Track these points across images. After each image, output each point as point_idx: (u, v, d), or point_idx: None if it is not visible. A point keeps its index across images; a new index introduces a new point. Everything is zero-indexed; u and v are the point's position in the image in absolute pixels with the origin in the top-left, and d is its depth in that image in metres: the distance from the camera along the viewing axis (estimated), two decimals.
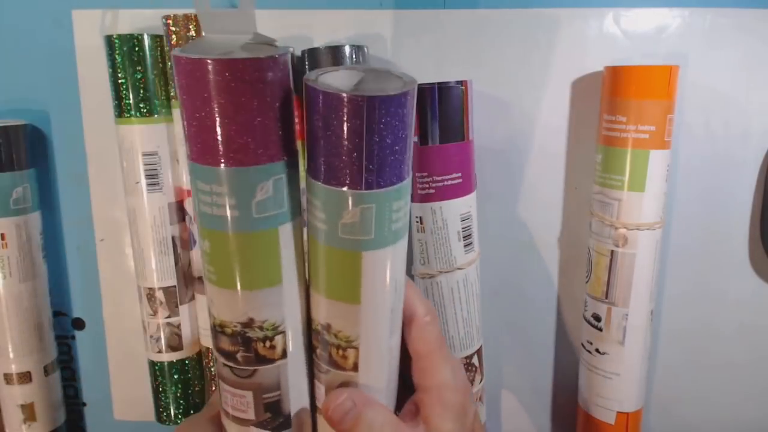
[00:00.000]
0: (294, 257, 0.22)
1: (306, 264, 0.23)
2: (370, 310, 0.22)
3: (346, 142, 0.19)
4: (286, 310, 0.22)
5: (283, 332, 0.22)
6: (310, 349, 0.24)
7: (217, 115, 0.19)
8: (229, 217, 0.20)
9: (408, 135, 0.20)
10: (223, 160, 0.19)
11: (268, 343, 0.22)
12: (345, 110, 0.19)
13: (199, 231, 0.22)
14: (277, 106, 0.20)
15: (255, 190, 0.20)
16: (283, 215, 0.21)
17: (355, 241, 0.21)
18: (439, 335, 0.25)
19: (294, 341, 0.23)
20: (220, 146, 0.19)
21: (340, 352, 0.23)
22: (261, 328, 0.22)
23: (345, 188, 0.20)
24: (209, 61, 0.18)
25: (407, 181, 0.21)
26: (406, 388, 0.26)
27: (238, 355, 0.22)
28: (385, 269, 0.22)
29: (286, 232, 0.21)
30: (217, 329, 0.22)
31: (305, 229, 0.23)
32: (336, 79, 0.21)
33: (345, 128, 0.19)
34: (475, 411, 0.27)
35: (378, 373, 0.24)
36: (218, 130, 0.19)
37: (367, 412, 0.23)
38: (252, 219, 0.20)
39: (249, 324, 0.22)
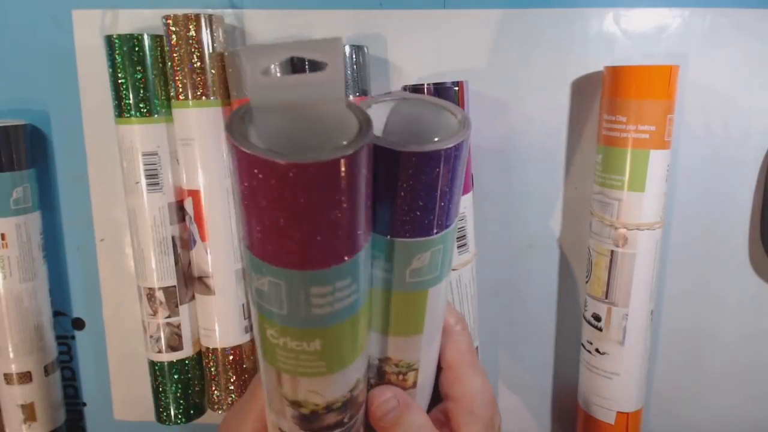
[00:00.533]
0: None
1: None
2: (429, 336, 0.22)
3: (418, 197, 0.19)
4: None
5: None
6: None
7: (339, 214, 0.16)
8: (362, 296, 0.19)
9: (462, 175, 0.20)
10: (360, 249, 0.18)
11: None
12: (420, 168, 0.18)
13: (291, 333, 0.19)
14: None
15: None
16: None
17: (422, 281, 0.21)
18: (469, 345, 0.25)
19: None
20: (358, 240, 0.18)
21: (401, 377, 0.23)
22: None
23: (416, 238, 0.19)
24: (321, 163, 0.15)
25: (457, 220, 0.21)
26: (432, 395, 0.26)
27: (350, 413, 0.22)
28: (444, 297, 0.22)
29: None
30: (320, 412, 0.21)
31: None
32: (377, 119, 0.19)
33: (416, 184, 0.18)
34: (499, 426, 0.27)
35: (428, 385, 0.25)
36: (345, 226, 0.17)
37: (408, 414, 0.23)
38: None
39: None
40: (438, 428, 0.25)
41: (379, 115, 0.20)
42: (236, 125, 0.16)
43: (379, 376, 0.23)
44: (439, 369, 0.25)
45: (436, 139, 0.19)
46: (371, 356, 0.23)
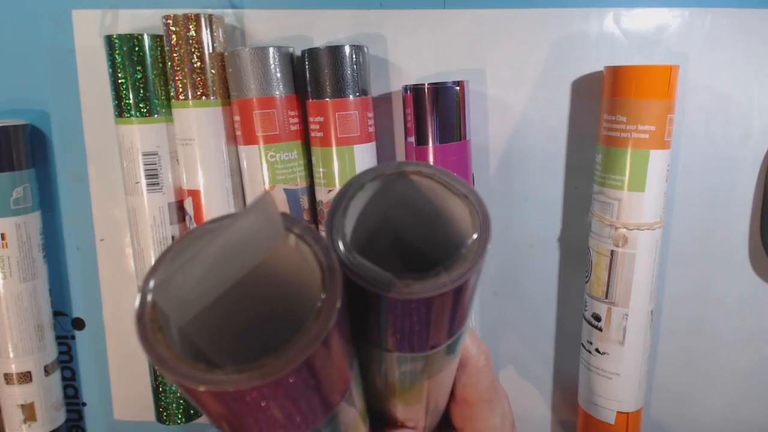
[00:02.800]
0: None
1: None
2: (432, 401, 0.21)
3: (410, 329, 0.16)
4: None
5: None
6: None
7: None
8: None
9: (476, 286, 0.17)
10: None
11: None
12: (408, 309, 0.15)
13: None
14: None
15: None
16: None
17: (420, 376, 0.19)
18: (490, 381, 0.24)
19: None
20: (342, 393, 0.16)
21: (399, 423, 0.23)
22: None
23: (409, 353, 0.17)
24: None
25: (470, 315, 0.19)
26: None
27: None
28: (448, 375, 0.21)
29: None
30: None
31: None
32: (366, 198, 0.16)
33: (409, 319, 0.15)
34: None
35: (432, 421, 0.24)
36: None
37: None
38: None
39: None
40: None
41: (369, 193, 0.16)
42: (153, 330, 0.13)
43: (378, 418, 0.23)
44: (455, 400, 0.24)
45: (440, 269, 0.14)
46: (370, 404, 0.22)
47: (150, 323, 0.13)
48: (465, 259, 0.14)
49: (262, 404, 0.12)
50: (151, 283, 0.12)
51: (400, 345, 0.16)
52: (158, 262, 0.12)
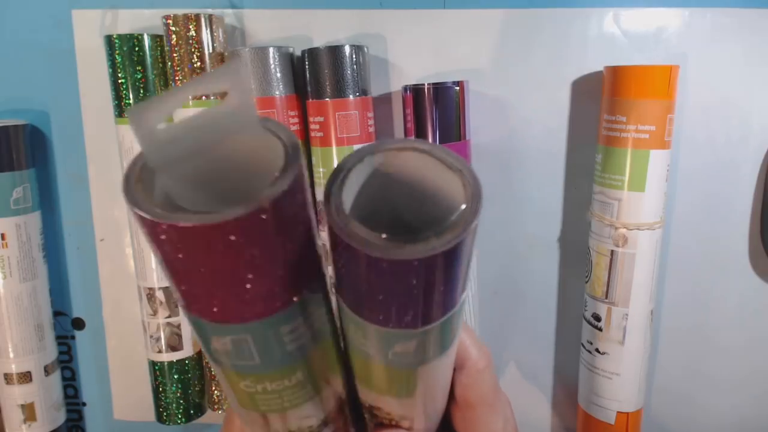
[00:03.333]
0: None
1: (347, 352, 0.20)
2: (426, 396, 0.21)
3: (397, 297, 0.16)
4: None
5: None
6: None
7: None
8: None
9: (469, 258, 0.17)
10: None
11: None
12: (395, 272, 0.15)
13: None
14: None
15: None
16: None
17: (409, 363, 0.18)
18: (492, 384, 0.23)
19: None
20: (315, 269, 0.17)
21: (393, 421, 0.22)
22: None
23: (394, 329, 0.17)
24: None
25: (463, 298, 0.18)
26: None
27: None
28: (442, 370, 0.20)
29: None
30: (316, 430, 0.21)
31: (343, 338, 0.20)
32: (365, 174, 0.16)
33: (396, 286, 0.15)
34: None
35: (430, 424, 0.23)
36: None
37: None
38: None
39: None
40: None
41: (367, 168, 0.16)
42: (137, 188, 0.14)
43: (370, 416, 0.22)
44: (456, 403, 0.24)
45: (429, 233, 0.15)
46: (361, 399, 0.22)
47: (135, 178, 0.14)
48: (455, 225, 0.15)
49: (219, 250, 0.13)
50: (142, 138, 0.13)
51: (390, 318, 0.16)
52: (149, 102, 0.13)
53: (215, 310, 0.15)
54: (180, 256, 0.14)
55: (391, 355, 0.18)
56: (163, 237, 0.13)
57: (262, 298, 0.15)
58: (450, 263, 0.15)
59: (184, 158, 0.14)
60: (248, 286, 0.15)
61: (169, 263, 0.14)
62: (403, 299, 0.16)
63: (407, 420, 0.22)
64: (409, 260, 0.14)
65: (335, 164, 0.35)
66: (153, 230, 0.13)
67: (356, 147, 0.35)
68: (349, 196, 0.16)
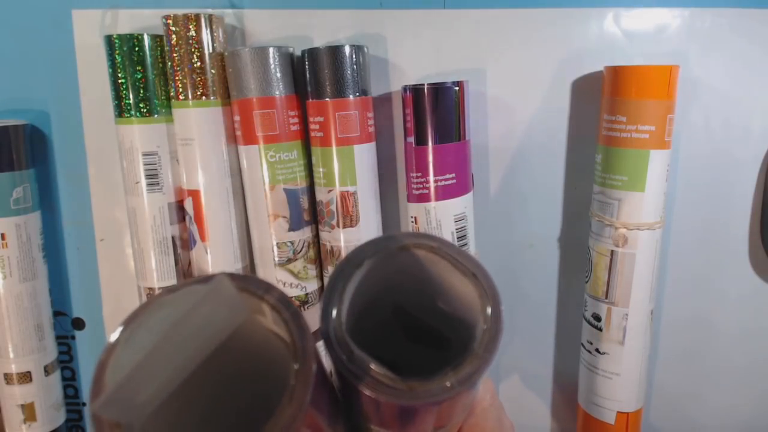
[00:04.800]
0: None
1: None
2: None
3: (414, 424, 0.15)
4: None
5: None
6: None
7: None
8: None
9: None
10: None
11: None
12: (409, 412, 0.14)
13: None
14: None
15: None
16: None
17: None
18: (497, 417, 0.23)
19: None
20: None
21: None
22: None
23: None
24: None
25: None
26: None
27: None
28: None
29: None
30: None
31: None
32: (364, 272, 0.15)
33: (410, 422, 0.14)
34: None
35: None
36: None
37: None
38: None
39: None
40: None
41: (367, 268, 0.15)
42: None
43: None
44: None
45: (447, 369, 0.13)
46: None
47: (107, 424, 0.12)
48: (475, 355, 0.13)
49: None
50: (97, 404, 0.12)
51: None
52: (109, 350, 0.11)
53: None
54: None
55: None
56: None
57: None
58: (467, 392, 0.13)
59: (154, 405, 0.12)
60: None
61: None
62: (418, 425, 0.15)
63: None
64: (422, 404, 0.13)
65: (335, 164, 0.35)
66: None
67: (356, 147, 0.35)
68: (347, 302, 0.14)
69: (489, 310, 0.14)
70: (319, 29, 0.37)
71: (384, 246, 0.15)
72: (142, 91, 0.36)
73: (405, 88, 0.35)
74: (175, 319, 0.11)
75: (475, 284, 0.14)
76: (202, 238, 0.36)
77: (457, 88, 0.34)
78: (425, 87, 0.34)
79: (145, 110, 0.36)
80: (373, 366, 0.13)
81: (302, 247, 0.37)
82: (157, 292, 0.37)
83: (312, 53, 0.35)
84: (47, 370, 0.40)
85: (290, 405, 0.12)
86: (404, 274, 0.15)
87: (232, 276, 0.12)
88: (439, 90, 0.34)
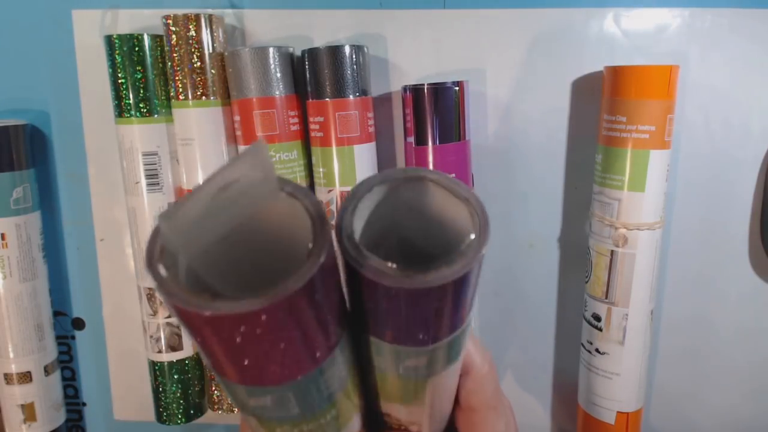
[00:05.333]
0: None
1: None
2: (434, 405, 0.21)
3: (410, 320, 0.17)
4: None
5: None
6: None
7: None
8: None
9: (476, 284, 0.17)
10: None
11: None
12: (408, 299, 0.16)
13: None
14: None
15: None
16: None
17: (420, 375, 0.19)
18: (495, 388, 0.24)
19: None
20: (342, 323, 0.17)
21: (402, 428, 0.23)
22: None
23: (406, 347, 0.18)
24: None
25: (471, 316, 0.19)
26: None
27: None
28: (450, 379, 0.21)
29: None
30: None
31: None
32: (375, 202, 0.17)
33: (409, 311, 0.16)
34: None
35: (436, 429, 0.24)
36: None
37: None
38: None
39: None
40: None
41: (377, 196, 0.17)
42: (163, 272, 0.14)
43: (382, 422, 0.23)
44: (460, 407, 0.24)
45: (440, 263, 0.15)
46: (371, 405, 0.22)
47: (159, 263, 0.14)
48: (464, 255, 0.15)
49: (257, 332, 0.14)
50: (161, 222, 0.13)
51: (402, 337, 0.17)
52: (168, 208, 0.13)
53: (261, 377, 0.15)
54: (237, 339, 0.14)
55: (402, 369, 0.19)
56: (207, 325, 0.13)
57: (306, 358, 0.16)
58: (459, 289, 0.16)
59: (210, 245, 0.14)
60: (294, 351, 0.15)
61: (217, 348, 0.14)
62: (415, 322, 0.16)
63: (416, 425, 0.22)
64: (421, 289, 0.15)
65: (335, 164, 0.35)
66: (199, 321, 0.13)
67: (356, 147, 0.35)
68: (359, 223, 0.16)
69: (478, 223, 0.16)
70: (319, 29, 0.37)
71: (392, 176, 0.17)
72: (142, 91, 0.36)
73: (405, 88, 0.35)
74: (222, 179, 0.13)
75: (468, 207, 0.17)
76: None
77: (457, 88, 0.34)
78: (425, 87, 0.34)
79: (145, 110, 0.36)
80: (376, 259, 0.15)
81: None
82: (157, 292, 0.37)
83: (312, 53, 0.35)
84: (47, 370, 0.40)
85: (308, 261, 0.14)
86: (407, 206, 0.17)
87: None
88: (439, 90, 0.34)
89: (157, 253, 0.14)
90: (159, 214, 0.13)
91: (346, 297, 0.18)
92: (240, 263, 0.15)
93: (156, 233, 0.14)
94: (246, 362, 0.15)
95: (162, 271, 0.14)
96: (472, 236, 0.16)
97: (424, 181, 0.17)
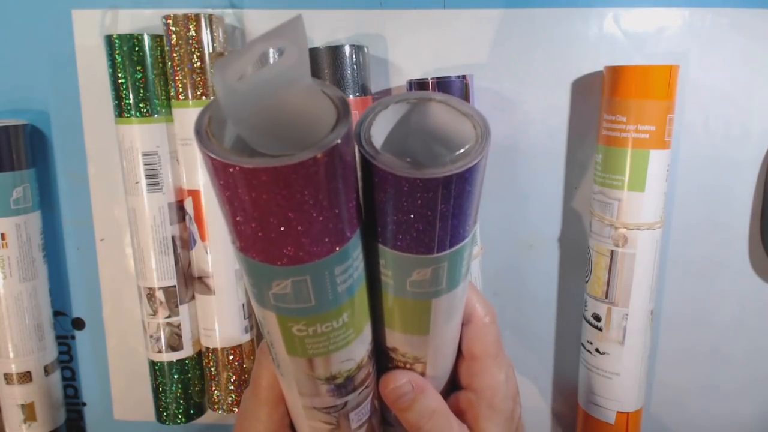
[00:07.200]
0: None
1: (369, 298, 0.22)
2: (437, 335, 0.22)
3: (414, 219, 0.18)
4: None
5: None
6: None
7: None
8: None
9: (479, 192, 0.19)
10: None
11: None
12: (417, 192, 0.17)
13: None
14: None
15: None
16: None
17: (425, 293, 0.20)
18: (496, 337, 0.25)
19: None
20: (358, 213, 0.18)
21: (408, 365, 0.23)
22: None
23: (413, 255, 0.19)
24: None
25: (474, 230, 0.20)
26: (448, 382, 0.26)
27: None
28: (453, 306, 0.22)
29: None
30: (353, 374, 0.23)
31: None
32: (390, 123, 0.19)
33: (417, 205, 0.17)
34: (520, 415, 0.26)
35: (440, 373, 0.25)
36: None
37: (422, 398, 0.23)
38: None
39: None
40: (455, 416, 0.24)
41: (391, 117, 0.19)
42: (209, 136, 0.15)
43: (388, 360, 0.23)
44: (462, 357, 0.25)
45: (446, 159, 0.17)
46: (379, 342, 0.23)
47: (206, 131, 0.15)
48: (467, 154, 0.17)
49: (297, 196, 0.15)
50: (217, 81, 0.14)
51: (408, 243, 0.18)
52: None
53: (285, 251, 0.17)
54: (264, 196, 0.15)
55: (408, 284, 0.20)
56: (241, 181, 0.15)
57: (323, 238, 0.17)
58: (463, 190, 0.18)
59: (256, 112, 0.15)
60: (314, 226, 0.16)
61: (248, 206, 0.16)
62: (421, 222, 0.18)
63: (420, 363, 0.23)
64: (428, 179, 0.17)
65: None
66: (234, 176, 0.15)
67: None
68: (375, 134, 0.18)
69: (480, 132, 0.18)
70: (319, 29, 0.37)
71: (405, 97, 0.19)
72: (142, 91, 0.36)
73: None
74: (262, 45, 0.15)
75: (471, 121, 0.19)
76: (203, 238, 0.36)
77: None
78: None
79: (145, 110, 0.36)
80: (389, 155, 0.17)
81: None
82: (157, 292, 0.37)
83: (312, 53, 0.35)
84: (47, 370, 0.40)
85: (336, 128, 0.16)
86: (418, 128, 0.19)
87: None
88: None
89: (205, 123, 0.16)
90: (214, 77, 0.14)
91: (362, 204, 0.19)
92: (276, 135, 0.16)
93: (204, 109, 0.16)
94: (282, 229, 0.16)
95: (211, 144, 0.15)
96: (474, 140, 0.18)
97: (434, 102, 0.19)
